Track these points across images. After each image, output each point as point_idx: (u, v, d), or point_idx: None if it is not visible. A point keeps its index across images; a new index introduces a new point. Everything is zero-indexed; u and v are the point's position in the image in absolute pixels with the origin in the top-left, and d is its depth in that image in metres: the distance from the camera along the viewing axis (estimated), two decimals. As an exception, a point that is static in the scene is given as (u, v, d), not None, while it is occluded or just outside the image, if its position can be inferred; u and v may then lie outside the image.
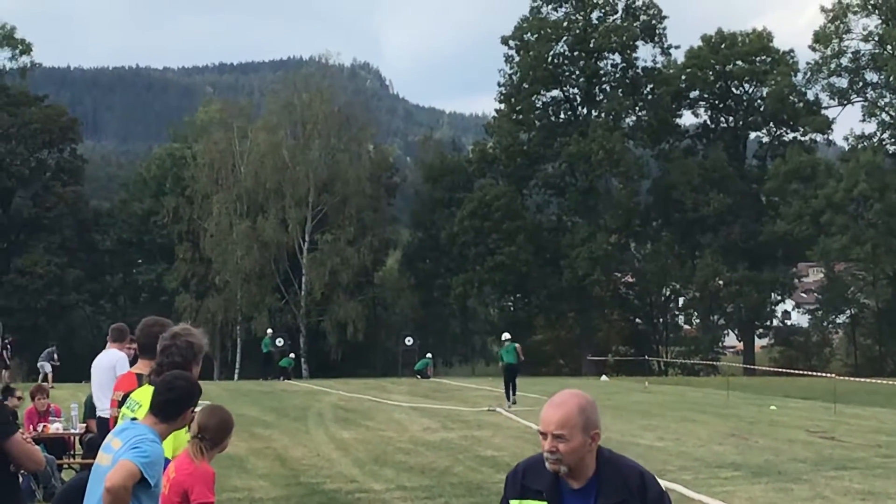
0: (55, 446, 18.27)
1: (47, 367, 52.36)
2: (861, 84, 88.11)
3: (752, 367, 79.37)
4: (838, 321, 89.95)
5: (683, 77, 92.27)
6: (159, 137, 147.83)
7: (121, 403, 9.06)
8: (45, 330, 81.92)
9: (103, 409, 15.65)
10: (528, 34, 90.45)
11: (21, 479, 10.30)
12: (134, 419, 7.15)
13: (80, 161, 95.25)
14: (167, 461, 7.54)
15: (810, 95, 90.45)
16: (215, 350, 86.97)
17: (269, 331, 68.78)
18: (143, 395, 7.91)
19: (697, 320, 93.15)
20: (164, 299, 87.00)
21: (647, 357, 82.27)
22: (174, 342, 7.90)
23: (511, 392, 39.44)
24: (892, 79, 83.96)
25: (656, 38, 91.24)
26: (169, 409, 6.93)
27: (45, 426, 19.26)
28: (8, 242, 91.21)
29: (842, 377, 51.79)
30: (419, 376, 61.50)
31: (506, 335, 43.01)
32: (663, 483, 17.78)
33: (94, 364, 15.75)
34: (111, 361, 15.52)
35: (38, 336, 78.60)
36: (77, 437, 19.55)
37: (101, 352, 15.90)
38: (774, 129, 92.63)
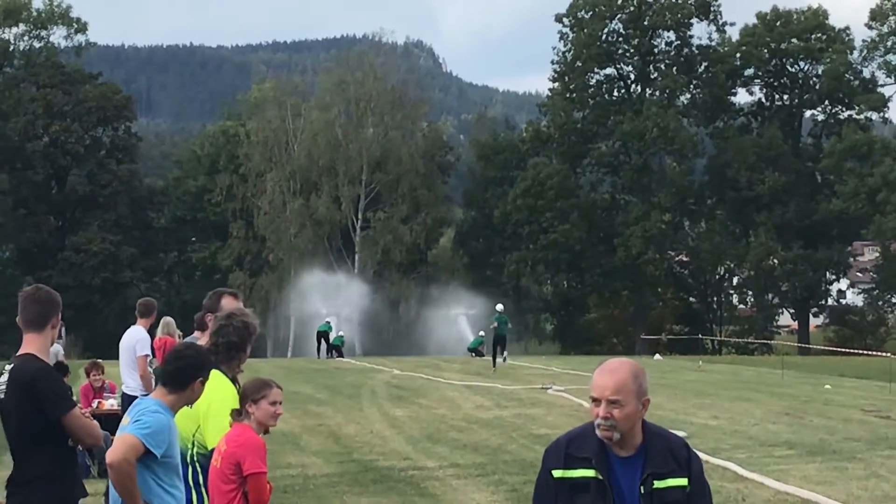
0: (110, 422, 18.30)
1: (58, 348, 51.01)
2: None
3: (806, 346, 78.82)
4: (894, 301, 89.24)
5: (738, 55, 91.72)
6: (213, 115, 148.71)
7: None
8: (99, 307, 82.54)
9: (128, 386, 15.84)
10: (583, 12, 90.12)
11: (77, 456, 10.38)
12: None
13: (134, 139, 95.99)
14: None
15: (866, 73, 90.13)
16: (269, 328, 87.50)
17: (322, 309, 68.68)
18: None
19: (752, 299, 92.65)
20: (218, 277, 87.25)
21: (700, 336, 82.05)
22: (230, 322, 7.91)
23: (500, 359, 43.83)
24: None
25: (711, 16, 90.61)
26: (177, 379, 6.96)
27: (100, 402, 19.39)
28: (63, 220, 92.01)
29: (897, 357, 51.42)
30: (473, 354, 61.33)
31: (499, 306, 46.94)
32: (717, 461, 17.85)
33: (121, 342, 15.92)
34: (132, 341, 15.68)
35: (92, 314, 79.24)
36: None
37: (129, 328, 16.09)
38: (830, 108, 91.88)
